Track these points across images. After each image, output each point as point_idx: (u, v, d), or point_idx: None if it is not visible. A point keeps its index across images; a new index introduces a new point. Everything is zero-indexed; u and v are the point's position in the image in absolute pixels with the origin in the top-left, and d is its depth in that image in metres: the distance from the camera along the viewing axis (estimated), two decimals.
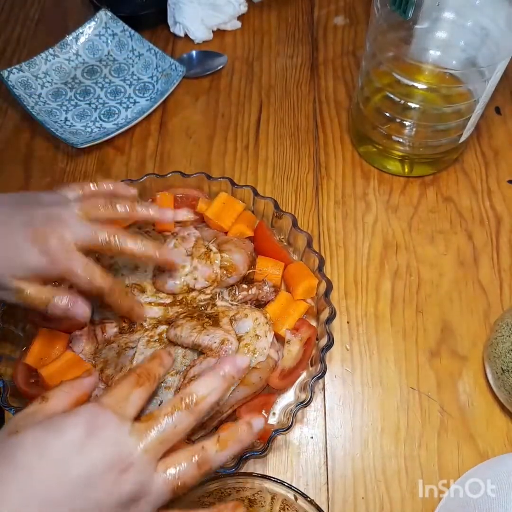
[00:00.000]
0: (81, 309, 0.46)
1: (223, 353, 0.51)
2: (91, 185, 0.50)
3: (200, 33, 0.84)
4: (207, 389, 0.38)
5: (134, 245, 0.47)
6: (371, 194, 0.71)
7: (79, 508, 0.31)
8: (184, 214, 0.61)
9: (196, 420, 0.37)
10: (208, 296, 0.57)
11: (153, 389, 0.38)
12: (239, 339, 0.53)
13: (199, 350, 0.52)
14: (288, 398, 0.56)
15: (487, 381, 0.57)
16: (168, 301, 0.56)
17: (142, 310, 0.54)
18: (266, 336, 0.54)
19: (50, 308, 0.45)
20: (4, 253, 0.43)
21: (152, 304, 0.56)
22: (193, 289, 0.56)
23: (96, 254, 0.51)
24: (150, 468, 0.34)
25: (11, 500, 0.30)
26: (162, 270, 0.56)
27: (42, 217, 0.44)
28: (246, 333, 0.53)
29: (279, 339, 0.57)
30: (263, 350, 0.53)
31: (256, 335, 0.53)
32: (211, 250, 0.57)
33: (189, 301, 0.56)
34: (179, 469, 0.35)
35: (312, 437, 0.56)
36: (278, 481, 0.44)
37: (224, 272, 0.57)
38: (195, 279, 0.56)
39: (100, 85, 0.81)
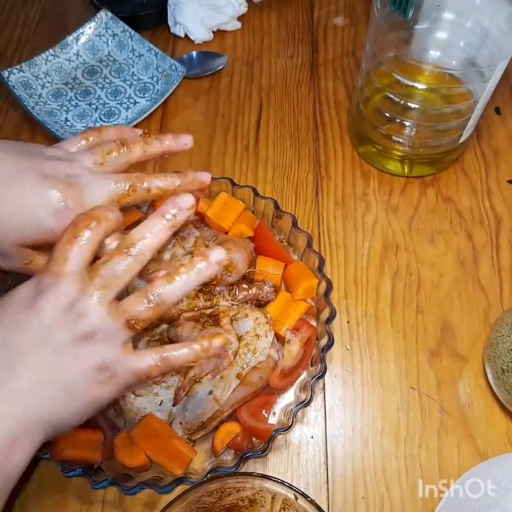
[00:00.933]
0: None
1: (224, 352, 0.51)
2: (95, 132, 0.48)
3: (200, 33, 0.84)
4: (143, 232, 0.38)
5: (161, 182, 0.46)
6: (371, 194, 0.71)
7: (40, 349, 0.35)
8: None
9: (138, 262, 0.38)
10: (208, 291, 0.57)
11: (99, 236, 0.38)
12: (240, 338, 0.53)
13: None
14: (288, 398, 0.56)
15: (487, 381, 0.57)
16: None
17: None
18: (266, 336, 0.54)
19: None
20: (18, 216, 0.41)
21: None
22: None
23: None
24: (99, 310, 0.37)
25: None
26: (162, 269, 0.56)
27: (53, 173, 0.42)
28: (247, 333, 0.53)
29: (279, 339, 0.57)
30: (264, 350, 0.53)
31: (256, 335, 0.53)
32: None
33: (189, 300, 0.56)
34: (129, 307, 0.38)
35: (312, 437, 0.56)
36: (278, 480, 0.44)
37: (224, 271, 0.57)
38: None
39: (100, 85, 0.81)
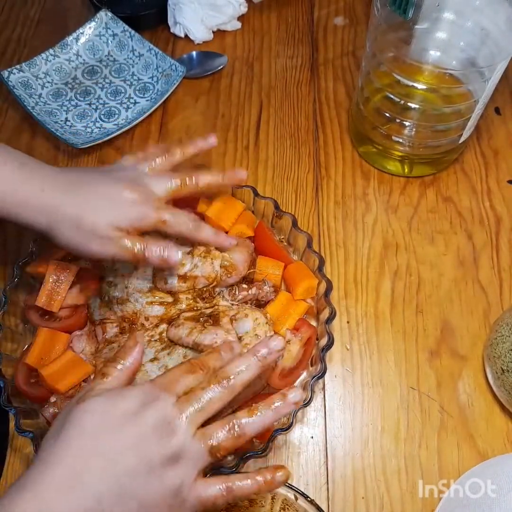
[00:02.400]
0: (173, 252, 0.52)
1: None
2: (139, 152, 0.56)
3: (200, 33, 0.84)
4: (240, 367, 0.42)
5: (208, 177, 0.55)
6: (371, 194, 0.71)
7: (131, 463, 0.37)
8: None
9: (230, 394, 0.41)
10: (208, 294, 0.57)
11: (204, 379, 0.42)
12: (239, 338, 0.53)
13: (199, 350, 0.52)
14: None
15: (487, 381, 0.57)
16: (169, 300, 0.56)
17: (230, 238, 0.58)
18: (265, 336, 0.54)
19: (148, 254, 0.51)
20: (109, 206, 0.50)
21: (153, 303, 0.56)
22: (193, 288, 0.56)
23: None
24: (189, 433, 0.39)
25: (74, 458, 0.36)
26: (162, 269, 0.56)
27: (125, 177, 0.52)
28: (246, 333, 0.53)
29: None
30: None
31: (256, 335, 0.53)
32: (211, 249, 0.57)
33: (189, 300, 0.56)
34: (215, 433, 0.40)
35: (312, 437, 0.56)
36: None
37: (224, 271, 0.57)
38: (195, 277, 0.56)
39: (100, 85, 0.81)
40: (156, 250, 0.51)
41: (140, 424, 0.38)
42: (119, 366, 0.43)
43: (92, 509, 0.35)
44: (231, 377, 0.41)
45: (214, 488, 0.39)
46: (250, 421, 0.40)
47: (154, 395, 0.40)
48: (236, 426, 0.40)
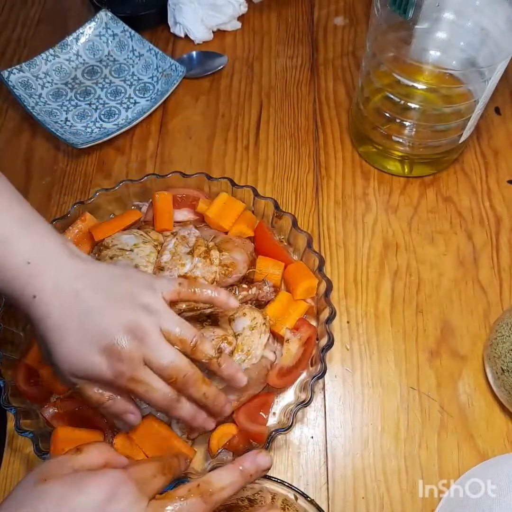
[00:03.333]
0: (133, 418, 0.46)
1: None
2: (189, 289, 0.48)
3: (200, 33, 0.84)
4: (224, 482, 0.39)
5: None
6: (371, 194, 0.71)
7: None
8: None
9: (209, 509, 0.38)
10: None
11: (169, 482, 0.39)
12: (236, 336, 0.53)
13: None
14: (288, 398, 0.56)
15: (487, 381, 0.57)
16: None
17: (210, 421, 0.50)
18: (260, 337, 0.54)
19: (102, 409, 0.45)
20: (74, 347, 0.42)
21: None
22: None
23: None
24: None
25: None
26: (162, 269, 0.56)
27: (126, 321, 0.43)
28: (242, 331, 0.53)
29: (279, 339, 0.57)
30: (256, 351, 0.53)
31: (251, 335, 0.53)
32: (211, 249, 0.57)
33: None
34: None
35: (312, 437, 0.56)
36: (278, 480, 0.44)
37: (224, 271, 0.57)
38: (195, 277, 0.56)
39: (100, 85, 0.81)
40: (111, 407, 0.45)
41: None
42: (102, 449, 0.38)
43: None
44: (213, 489, 0.38)
45: None
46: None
47: (125, 490, 0.35)
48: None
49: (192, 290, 0.48)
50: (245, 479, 0.40)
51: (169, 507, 0.36)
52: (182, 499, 0.36)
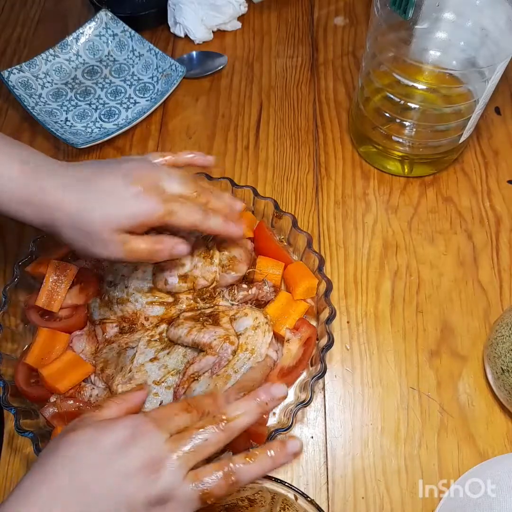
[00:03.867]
0: (183, 246, 0.50)
1: (223, 351, 0.51)
2: (170, 156, 0.53)
3: (200, 33, 0.84)
4: (239, 411, 0.39)
5: (220, 202, 0.52)
6: (371, 194, 0.71)
7: (113, 499, 0.35)
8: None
9: (227, 438, 0.39)
10: (208, 295, 0.57)
11: (196, 420, 0.40)
12: (238, 336, 0.53)
13: (199, 349, 0.53)
14: (288, 398, 0.56)
15: (487, 381, 0.57)
16: (169, 300, 0.56)
17: (239, 227, 0.53)
18: (264, 336, 0.54)
19: (156, 257, 0.49)
20: (111, 204, 0.46)
21: (153, 303, 0.56)
22: (193, 288, 0.56)
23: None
24: (179, 474, 0.37)
25: (51, 496, 0.35)
26: (162, 268, 0.56)
27: (135, 169, 0.48)
28: (245, 331, 0.53)
29: (279, 339, 0.57)
30: (261, 350, 0.53)
31: (254, 334, 0.53)
32: (210, 249, 0.57)
33: (189, 301, 0.57)
34: (207, 478, 0.37)
35: (312, 437, 0.56)
36: (278, 480, 0.44)
37: (224, 270, 0.57)
38: (195, 277, 0.56)
39: (100, 85, 0.81)
40: (164, 250, 0.49)
41: (125, 461, 0.36)
42: (118, 401, 0.41)
43: None
44: (230, 420, 0.39)
45: None
46: (246, 469, 0.38)
47: (145, 429, 0.38)
48: (230, 473, 0.37)
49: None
50: (261, 407, 0.40)
51: (187, 439, 0.37)
52: (199, 430, 0.38)
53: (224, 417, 0.39)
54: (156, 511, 0.36)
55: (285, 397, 0.42)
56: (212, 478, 0.37)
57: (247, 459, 0.38)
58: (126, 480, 0.36)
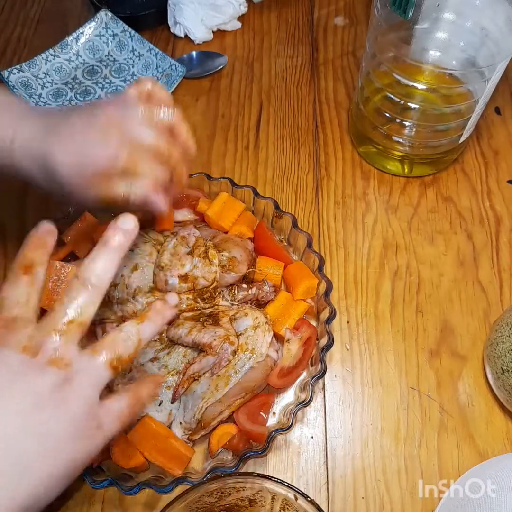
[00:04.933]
0: (158, 198, 0.48)
1: (223, 351, 0.51)
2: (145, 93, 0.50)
3: (200, 33, 0.84)
4: (100, 265, 0.37)
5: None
6: (371, 194, 0.71)
7: (19, 404, 0.33)
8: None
9: (99, 295, 0.37)
10: (208, 295, 0.57)
11: (41, 277, 0.39)
12: (238, 336, 0.53)
13: (199, 349, 0.53)
14: (288, 398, 0.56)
15: (487, 381, 0.57)
16: None
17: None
18: (264, 336, 0.54)
19: (132, 201, 0.47)
20: (79, 149, 0.45)
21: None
22: (193, 288, 0.56)
23: None
24: (71, 348, 0.35)
25: None
26: (162, 268, 0.56)
27: (105, 117, 0.46)
28: (245, 329, 0.53)
29: (279, 339, 0.57)
30: (262, 350, 0.53)
31: (255, 334, 0.53)
32: (208, 249, 0.57)
33: (190, 301, 0.57)
34: (107, 344, 0.36)
35: (312, 437, 0.56)
36: (278, 480, 0.44)
37: (224, 270, 0.57)
38: (195, 278, 0.56)
39: (100, 85, 0.81)
40: (141, 189, 0.47)
41: (4, 359, 0.34)
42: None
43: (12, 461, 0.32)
44: (92, 274, 0.37)
45: (122, 399, 0.37)
46: (143, 326, 0.38)
47: (5, 332, 0.35)
48: (131, 334, 0.37)
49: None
50: (118, 251, 0.38)
51: (60, 313, 0.36)
52: (68, 301, 0.36)
53: (87, 274, 0.37)
54: (65, 391, 0.34)
55: (136, 226, 0.39)
56: (113, 343, 0.36)
57: (141, 319, 0.38)
58: (19, 375, 0.33)
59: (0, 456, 0.32)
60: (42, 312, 0.57)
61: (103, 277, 0.37)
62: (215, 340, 0.52)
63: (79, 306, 0.36)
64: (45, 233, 0.41)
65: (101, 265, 0.37)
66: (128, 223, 0.39)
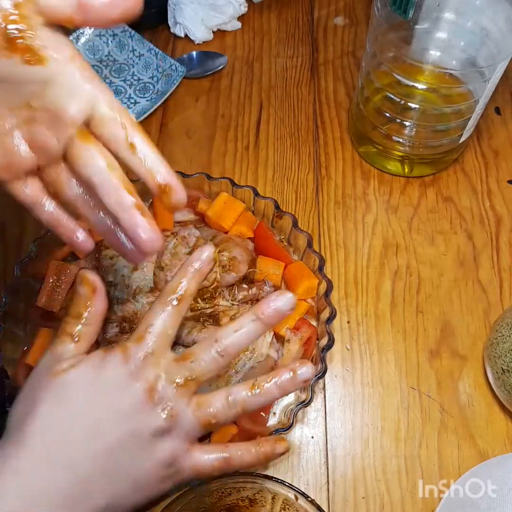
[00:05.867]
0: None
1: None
2: None
3: (200, 33, 0.84)
4: (238, 333, 0.37)
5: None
6: (371, 194, 0.71)
7: (118, 437, 0.35)
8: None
9: (225, 361, 0.37)
10: (208, 295, 0.57)
11: (184, 309, 0.38)
12: None
13: None
14: (288, 398, 0.56)
15: (487, 381, 0.57)
16: None
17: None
18: (265, 336, 0.54)
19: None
20: None
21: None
22: None
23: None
24: (181, 402, 0.36)
25: (54, 432, 0.34)
26: (162, 268, 0.56)
27: None
28: None
29: (279, 339, 0.57)
30: (262, 350, 0.53)
31: None
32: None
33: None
34: (210, 404, 0.37)
35: (312, 437, 0.56)
36: (279, 480, 0.44)
37: (224, 270, 0.57)
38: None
39: None
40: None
41: (129, 394, 0.35)
42: (82, 321, 0.38)
43: (77, 488, 0.33)
44: (228, 340, 0.37)
45: (211, 457, 0.38)
46: (250, 397, 0.37)
47: (141, 365, 0.36)
48: (236, 402, 0.37)
49: None
50: (261, 325, 0.37)
51: (184, 367, 0.36)
52: (196, 356, 0.37)
53: (220, 340, 0.37)
54: (162, 439, 0.36)
55: (292, 309, 0.37)
56: (215, 405, 0.36)
57: (252, 387, 0.37)
58: (132, 412, 0.35)
59: (102, 461, 0.34)
60: (43, 312, 0.57)
61: (233, 347, 0.37)
62: None
63: (204, 368, 0.37)
64: (206, 262, 0.39)
65: (238, 337, 0.37)
66: (288, 303, 0.37)
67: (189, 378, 0.36)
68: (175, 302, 0.38)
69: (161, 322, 0.37)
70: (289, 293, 0.37)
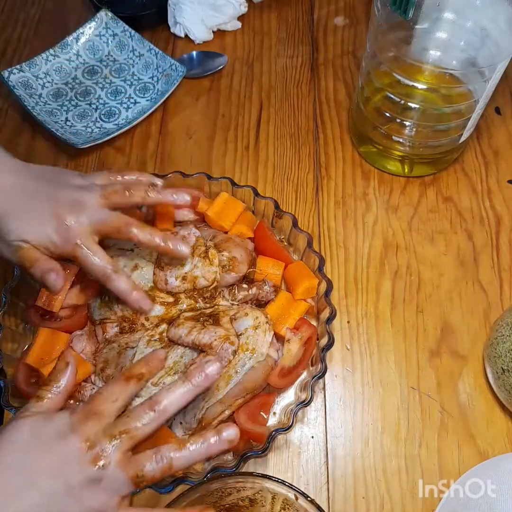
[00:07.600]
0: (54, 276, 0.49)
1: (223, 351, 0.51)
2: (118, 176, 0.54)
3: (200, 33, 0.84)
4: (174, 397, 0.42)
5: (141, 234, 0.51)
6: (371, 194, 0.71)
7: (50, 484, 0.38)
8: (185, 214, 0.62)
9: (161, 420, 0.42)
10: (208, 295, 0.57)
11: (136, 389, 0.44)
12: (238, 336, 0.53)
13: (199, 349, 0.53)
14: (288, 398, 0.56)
15: (487, 381, 0.57)
16: (169, 300, 0.56)
17: (146, 301, 0.53)
18: (265, 336, 0.54)
19: (31, 270, 0.49)
20: (26, 218, 0.48)
21: (153, 303, 0.56)
22: (193, 288, 0.56)
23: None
24: (113, 458, 0.40)
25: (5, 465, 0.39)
26: (162, 268, 0.56)
27: (66, 198, 0.49)
28: (246, 329, 0.53)
29: (279, 339, 0.57)
30: (262, 349, 0.53)
31: (255, 334, 0.53)
32: (208, 249, 0.57)
33: (190, 301, 0.57)
34: (141, 463, 0.40)
35: (312, 437, 0.56)
36: (279, 480, 0.44)
37: (224, 270, 0.57)
38: (195, 277, 0.56)
39: (100, 85, 0.81)
40: (43, 267, 0.49)
41: (64, 447, 0.39)
42: (53, 390, 0.43)
43: None
44: (163, 402, 0.42)
45: None
46: (178, 456, 0.41)
47: (83, 419, 0.41)
48: (164, 459, 0.40)
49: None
50: (195, 389, 0.43)
51: (121, 424, 0.41)
52: (133, 414, 0.42)
53: (159, 400, 0.42)
54: (91, 490, 0.39)
55: (218, 374, 0.44)
56: (145, 464, 0.40)
57: (180, 446, 0.41)
58: (65, 463, 0.39)
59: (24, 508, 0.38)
60: (43, 312, 0.57)
61: (169, 408, 0.42)
62: (215, 340, 0.52)
63: (139, 427, 0.41)
64: (163, 355, 0.47)
65: (172, 398, 0.42)
66: (213, 369, 0.44)
67: (124, 432, 0.40)
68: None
69: (112, 391, 0.43)
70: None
